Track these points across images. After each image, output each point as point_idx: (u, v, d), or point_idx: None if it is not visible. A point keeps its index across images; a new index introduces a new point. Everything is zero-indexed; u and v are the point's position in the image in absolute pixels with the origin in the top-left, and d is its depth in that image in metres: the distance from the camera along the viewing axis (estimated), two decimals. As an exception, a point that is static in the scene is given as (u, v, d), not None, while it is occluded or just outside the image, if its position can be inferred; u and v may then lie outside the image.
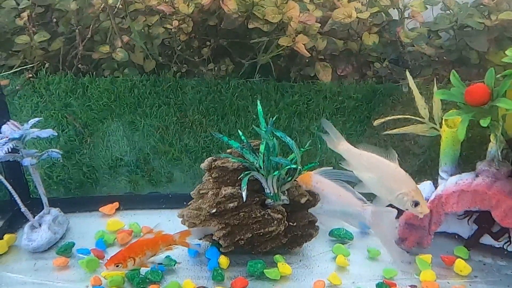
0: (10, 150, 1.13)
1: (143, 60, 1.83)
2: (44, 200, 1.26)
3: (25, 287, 1.11)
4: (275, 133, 1.11)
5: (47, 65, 1.74)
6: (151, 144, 1.62)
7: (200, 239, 1.20)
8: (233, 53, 1.77)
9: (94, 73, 1.74)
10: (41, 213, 1.26)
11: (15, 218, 1.31)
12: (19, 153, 1.18)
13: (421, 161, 1.52)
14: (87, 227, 1.32)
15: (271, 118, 1.13)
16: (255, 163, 1.11)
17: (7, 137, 1.15)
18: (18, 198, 1.18)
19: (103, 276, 1.10)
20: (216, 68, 1.78)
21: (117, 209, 1.40)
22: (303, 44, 1.73)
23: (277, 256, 1.16)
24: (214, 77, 1.76)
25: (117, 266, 1.04)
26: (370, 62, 1.86)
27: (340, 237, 1.24)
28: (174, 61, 1.76)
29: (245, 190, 1.03)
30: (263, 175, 1.11)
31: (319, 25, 1.85)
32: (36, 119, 1.21)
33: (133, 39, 1.75)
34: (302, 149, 1.11)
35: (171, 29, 1.71)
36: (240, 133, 1.17)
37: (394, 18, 1.92)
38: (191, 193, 1.21)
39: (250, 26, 1.69)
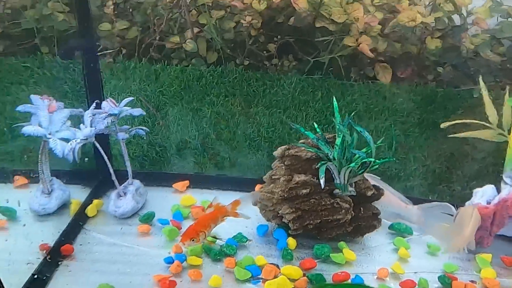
0: (108, 124, 1.26)
1: (206, 52, 1.95)
2: (129, 172, 1.38)
3: (114, 248, 1.23)
4: (354, 127, 1.18)
5: (124, 51, 1.89)
6: (217, 131, 1.73)
7: (269, 220, 1.29)
8: (298, 49, 1.85)
9: (165, 61, 1.88)
10: (125, 183, 1.38)
11: (100, 187, 1.45)
12: (113, 128, 1.31)
13: (481, 166, 1.55)
14: (161, 200, 1.43)
15: (347, 114, 1.20)
16: (329, 154, 1.19)
17: (105, 113, 1.28)
18: (111, 168, 1.32)
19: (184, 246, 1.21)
20: (279, 63, 1.87)
21: (187, 187, 1.51)
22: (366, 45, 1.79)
23: (341, 243, 1.23)
24: (277, 72, 1.85)
25: (192, 240, 1.14)
26: (430, 66, 1.90)
27: (400, 231, 1.31)
28: (244, 55, 1.87)
29: (323, 178, 1.12)
30: (336, 166, 1.18)
31: (380, 26, 1.91)
32: (129, 98, 1.34)
33: (206, 31, 1.87)
34: (376, 144, 1.17)
35: (241, 23, 1.82)
36: (316, 125, 1.25)
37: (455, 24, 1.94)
38: (263, 177, 1.30)
39: (317, 24, 1.78)
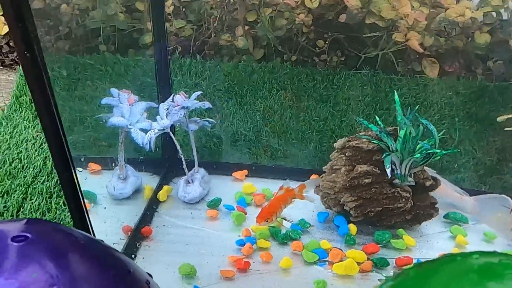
0: (182, 116, 1.36)
1: (253, 48, 2.04)
2: (196, 160, 1.49)
3: (187, 231, 1.34)
4: (420, 120, 1.24)
5: (179, 49, 2.00)
6: (270, 124, 1.81)
7: (329, 208, 1.37)
8: (347, 46, 1.91)
9: (219, 58, 1.98)
10: (191, 171, 1.49)
11: (167, 174, 1.56)
12: (183, 120, 1.42)
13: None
14: (223, 188, 1.53)
15: (409, 108, 1.26)
16: (391, 146, 1.25)
17: (177, 105, 1.38)
18: (183, 157, 1.42)
19: (252, 229, 1.31)
20: (328, 59, 1.93)
21: (246, 176, 1.61)
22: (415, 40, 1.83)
23: (400, 230, 1.30)
24: (326, 67, 1.92)
25: (266, 221, 1.24)
26: (478, 60, 1.92)
27: (456, 220, 1.36)
28: (295, 52, 1.94)
29: (389, 168, 1.19)
30: (398, 158, 1.25)
31: (426, 22, 1.94)
32: (198, 92, 1.44)
33: (259, 28, 1.95)
34: (438, 135, 1.23)
35: (291, 20, 1.89)
36: (377, 118, 1.31)
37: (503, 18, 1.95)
38: (323, 167, 1.38)
39: (368, 21, 1.82)
